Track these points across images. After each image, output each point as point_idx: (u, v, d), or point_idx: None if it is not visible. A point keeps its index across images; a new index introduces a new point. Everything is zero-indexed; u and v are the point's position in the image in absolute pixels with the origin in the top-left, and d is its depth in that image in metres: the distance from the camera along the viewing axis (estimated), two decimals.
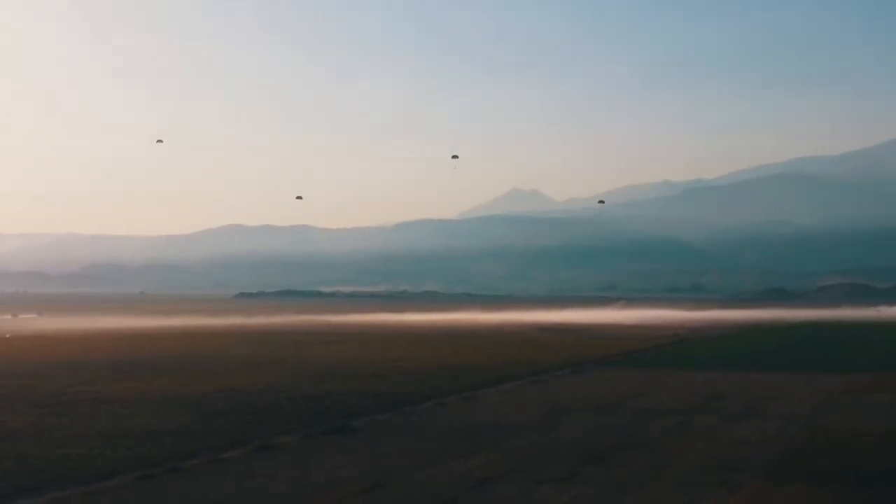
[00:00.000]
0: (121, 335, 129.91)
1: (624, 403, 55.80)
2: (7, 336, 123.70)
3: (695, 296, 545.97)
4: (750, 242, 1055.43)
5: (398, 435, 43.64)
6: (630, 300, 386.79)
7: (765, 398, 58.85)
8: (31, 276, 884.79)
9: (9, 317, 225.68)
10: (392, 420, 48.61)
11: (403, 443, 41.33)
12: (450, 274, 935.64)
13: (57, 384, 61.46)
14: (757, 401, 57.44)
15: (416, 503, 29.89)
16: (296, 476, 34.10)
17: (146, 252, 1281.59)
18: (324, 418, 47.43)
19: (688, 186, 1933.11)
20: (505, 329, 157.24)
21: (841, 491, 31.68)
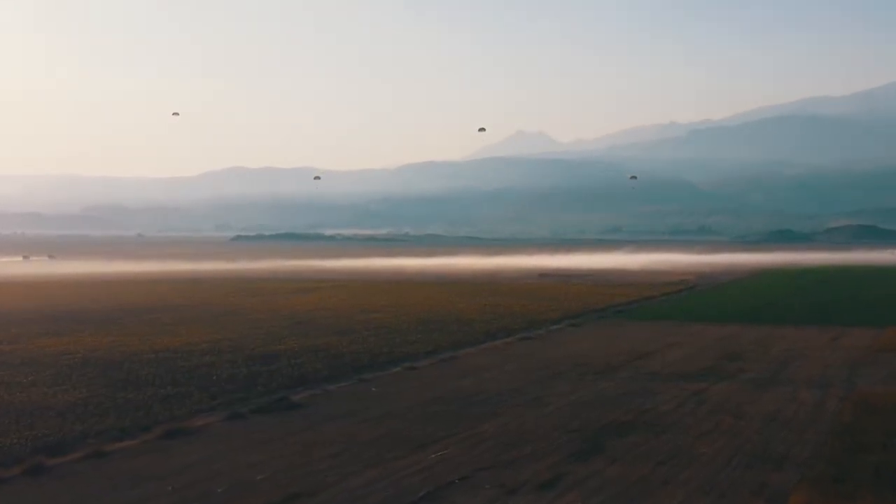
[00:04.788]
0: (85, 282, 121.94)
1: (628, 365, 47.60)
2: None
3: (701, 238, 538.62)
4: (757, 184, 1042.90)
5: (346, 413, 35.02)
6: (638, 243, 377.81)
7: (790, 358, 50.80)
8: (28, 217, 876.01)
9: (20, 259, 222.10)
10: (344, 392, 39.93)
11: (350, 426, 32.74)
12: (454, 217, 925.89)
13: None
14: (782, 361, 49.38)
15: None
16: (192, 480, 25.68)
17: (146, 194, 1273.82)
18: (262, 389, 38.97)
19: (695, 127, 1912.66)
20: (503, 274, 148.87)
21: None
